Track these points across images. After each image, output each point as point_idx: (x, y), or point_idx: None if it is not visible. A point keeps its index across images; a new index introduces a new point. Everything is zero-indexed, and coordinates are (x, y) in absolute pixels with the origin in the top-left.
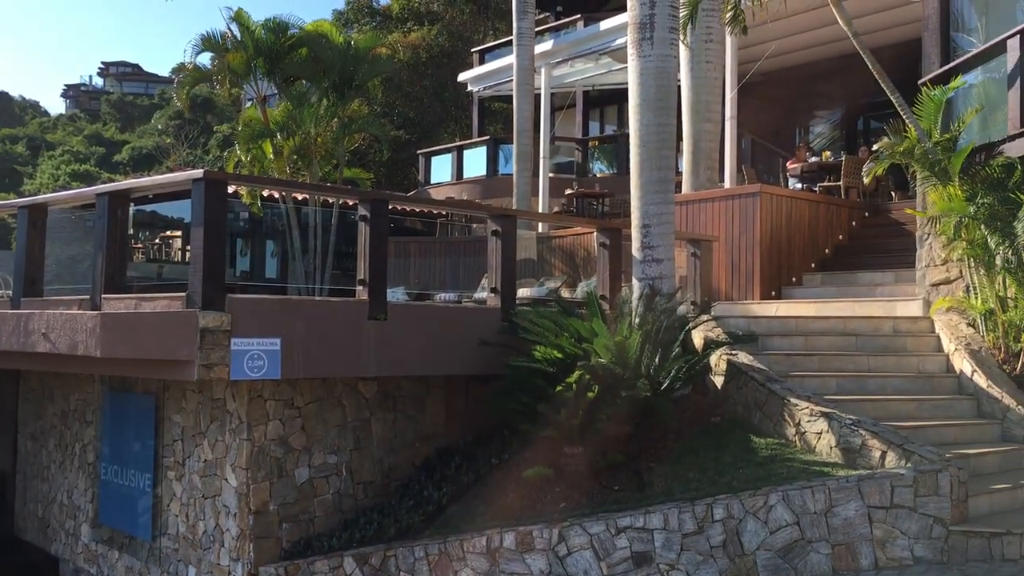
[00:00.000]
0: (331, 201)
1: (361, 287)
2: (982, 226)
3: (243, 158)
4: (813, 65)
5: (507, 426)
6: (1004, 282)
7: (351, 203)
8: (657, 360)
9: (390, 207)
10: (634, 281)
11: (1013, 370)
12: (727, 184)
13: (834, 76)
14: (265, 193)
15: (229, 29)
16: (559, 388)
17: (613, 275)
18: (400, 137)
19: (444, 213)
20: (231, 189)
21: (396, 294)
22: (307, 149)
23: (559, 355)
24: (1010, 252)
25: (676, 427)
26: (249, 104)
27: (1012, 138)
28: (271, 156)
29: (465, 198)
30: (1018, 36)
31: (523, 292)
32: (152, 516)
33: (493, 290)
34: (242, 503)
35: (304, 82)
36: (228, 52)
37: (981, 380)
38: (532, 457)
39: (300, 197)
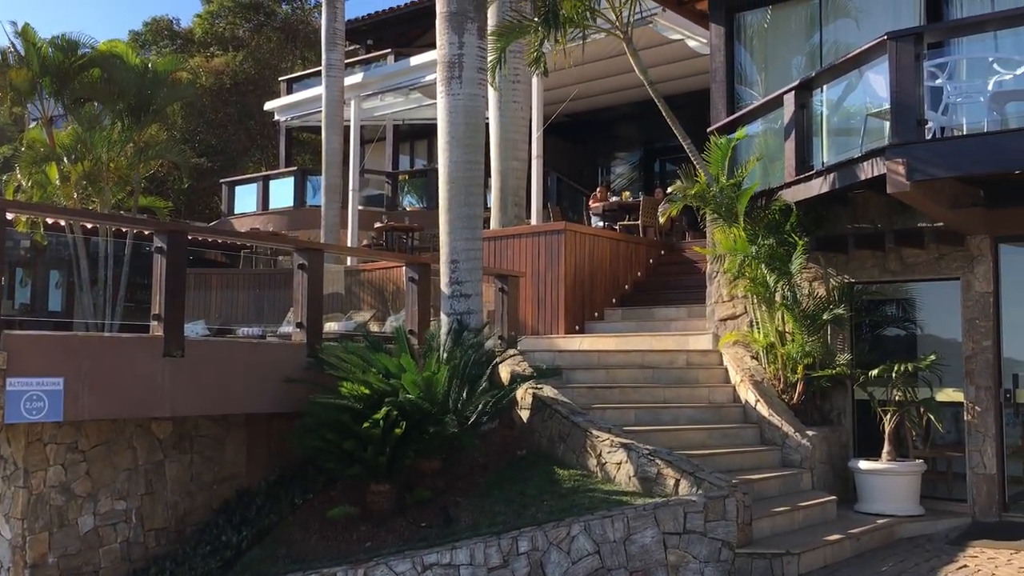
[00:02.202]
0: (125, 230)
1: (156, 322)
2: (763, 265)
3: (24, 183)
4: (614, 109)
5: (312, 465)
6: (783, 318)
7: (147, 233)
8: (465, 395)
9: (190, 238)
10: (443, 316)
11: (791, 399)
12: (534, 221)
13: (634, 120)
14: (50, 220)
15: (12, 45)
16: (366, 425)
17: (422, 310)
18: (202, 165)
19: (249, 245)
20: (9, 216)
21: (196, 328)
22: (98, 175)
23: (366, 391)
24: (787, 290)
25: (483, 461)
26: (33, 125)
27: (788, 185)
28: (57, 182)
29: (271, 229)
30: (793, 92)
31: (331, 326)
32: None
33: (299, 325)
34: (17, 556)
35: (96, 104)
36: (11, 69)
37: (763, 409)
38: (338, 496)
39: (90, 226)
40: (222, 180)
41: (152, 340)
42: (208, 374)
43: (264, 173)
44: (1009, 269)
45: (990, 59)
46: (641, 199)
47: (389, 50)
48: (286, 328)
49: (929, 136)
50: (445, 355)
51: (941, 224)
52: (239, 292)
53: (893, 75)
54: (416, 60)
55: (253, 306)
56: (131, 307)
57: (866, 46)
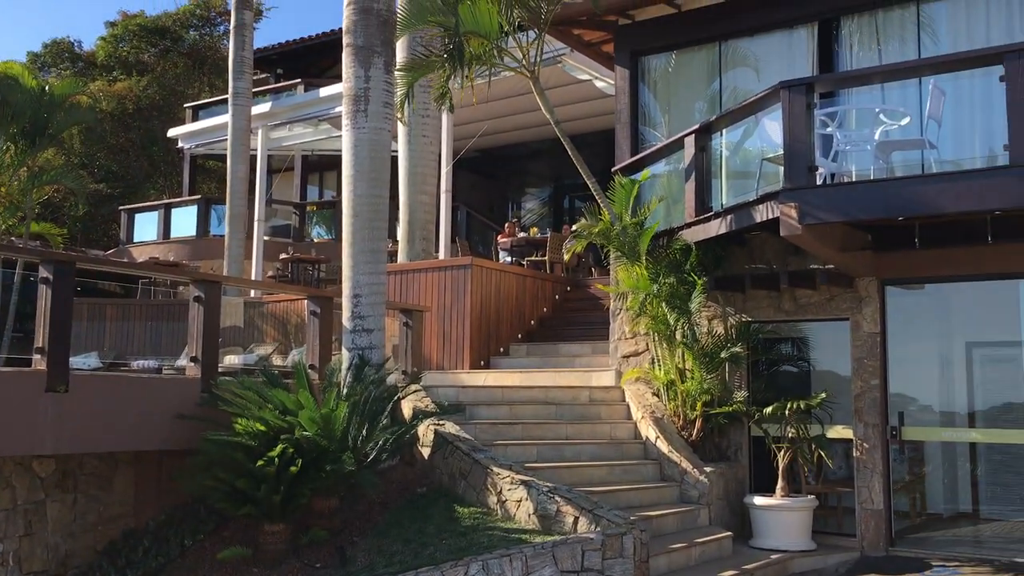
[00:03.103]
0: (15, 258)
1: (39, 356)
2: (664, 304)
3: None
4: (525, 145)
5: (203, 504)
6: (683, 355)
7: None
8: (365, 432)
9: (82, 268)
10: (344, 351)
11: (690, 436)
12: (441, 255)
13: (544, 156)
14: None
15: None
16: (260, 463)
17: (324, 344)
18: (101, 191)
19: (145, 275)
20: None
21: (89, 361)
22: None
23: (262, 428)
24: (687, 328)
25: (382, 499)
26: None
27: (689, 225)
28: None
29: (172, 259)
30: (693, 135)
31: (231, 360)
32: None
33: (193, 359)
34: None
35: None
36: None
37: (663, 446)
38: (230, 537)
39: None
40: (121, 207)
41: (34, 374)
42: (95, 410)
43: (166, 201)
44: (895, 310)
45: (877, 110)
46: (549, 235)
47: (299, 80)
48: (183, 361)
49: (820, 182)
50: (346, 391)
51: (832, 266)
52: (136, 323)
53: (786, 122)
54: (326, 91)
55: (151, 338)
56: (20, 337)
57: (761, 94)
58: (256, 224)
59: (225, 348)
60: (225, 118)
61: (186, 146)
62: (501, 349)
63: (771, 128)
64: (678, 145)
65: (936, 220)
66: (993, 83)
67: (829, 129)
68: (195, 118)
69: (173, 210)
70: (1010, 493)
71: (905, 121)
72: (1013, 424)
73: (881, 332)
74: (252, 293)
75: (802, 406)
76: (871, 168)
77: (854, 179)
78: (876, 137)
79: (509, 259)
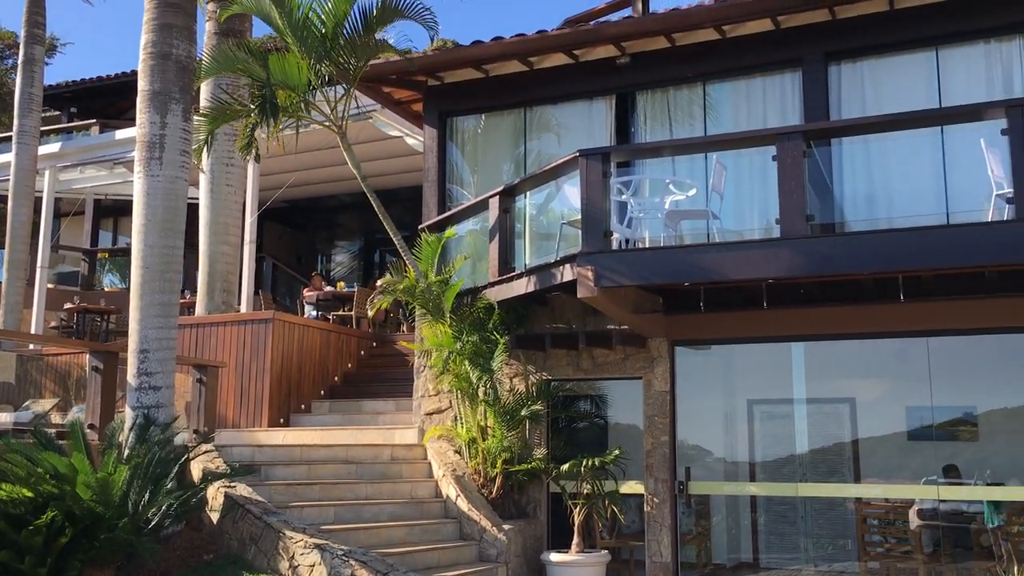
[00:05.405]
0: None
1: None
2: (467, 362)
3: None
4: (336, 197)
5: None
6: (485, 413)
7: None
8: (147, 496)
9: None
10: (128, 409)
11: (490, 494)
12: (244, 308)
13: (355, 209)
14: None
15: None
16: (26, 532)
17: (107, 402)
18: None
19: None
20: None
21: None
22: None
23: (29, 494)
24: (489, 386)
25: (164, 568)
26: None
27: (492, 284)
28: None
29: None
30: (497, 197)
31: (2, 418)
32: None
33: None
34: None
35: None
36: None
37: (463, 504)
38: None
39: None
40: None
41: None
42: None
43: None
44: (684, 369)
45: (667, 181)
46: (356, 289)
47: (94, 120)
48: None
49: (615, 246)
50: (128, 452)
51: (626, 327)
52: None
53: (584, 189)
54: (122, 134)
55: None
56: None
57: (561, 160)
58: (39, 271)
59: None
60: (7, 157)
61: None
62: (303, 406)
63: (571, 193)
64: (483, 205)
65: (719, 285)
66: (768, 161)
67: (624, 197)
68: None
69: None
70: (785, 542)
71: (692, 192)
72: (788, 477)
73: (671, 390)
74: (32, 345)
75: (597, 463)
76: (662, 235)
77: (647, 245)
78: (666, 206)
79: (315, 313)
